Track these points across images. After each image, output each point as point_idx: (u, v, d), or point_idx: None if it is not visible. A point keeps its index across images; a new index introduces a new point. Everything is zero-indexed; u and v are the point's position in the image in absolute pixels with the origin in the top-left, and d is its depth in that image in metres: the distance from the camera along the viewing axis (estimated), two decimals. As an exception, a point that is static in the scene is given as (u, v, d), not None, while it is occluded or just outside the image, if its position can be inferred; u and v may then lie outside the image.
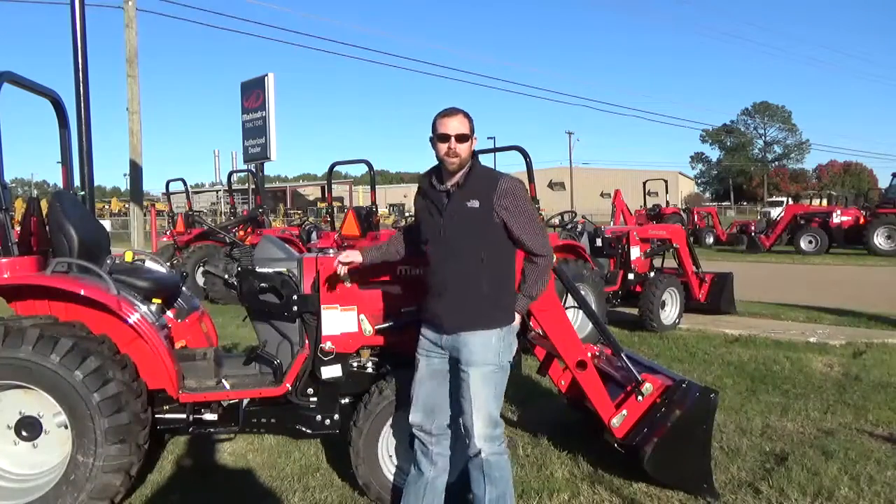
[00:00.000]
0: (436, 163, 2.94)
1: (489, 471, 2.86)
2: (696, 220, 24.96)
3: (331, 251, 3.72)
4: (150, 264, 4.29)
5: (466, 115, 2.90)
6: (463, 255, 2.86)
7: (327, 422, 3.55)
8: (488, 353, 2.86)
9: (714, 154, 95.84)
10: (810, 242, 20.04)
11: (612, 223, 14.66)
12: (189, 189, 15.73)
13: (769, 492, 3.52)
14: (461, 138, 2.84)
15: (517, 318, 3.00)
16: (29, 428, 3.34)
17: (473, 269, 2.86)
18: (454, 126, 2.85)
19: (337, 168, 10.77)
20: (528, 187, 6.58)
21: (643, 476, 3.54)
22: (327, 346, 3.41)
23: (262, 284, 3.47)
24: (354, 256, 3.22)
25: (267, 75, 16.55)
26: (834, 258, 18.67)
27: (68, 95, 5.63)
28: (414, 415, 3.01)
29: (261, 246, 3.77)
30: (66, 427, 3.22)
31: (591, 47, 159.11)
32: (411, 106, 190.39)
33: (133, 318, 3.39)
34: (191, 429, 3.59)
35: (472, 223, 2.85)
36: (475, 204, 2.85)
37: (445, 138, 2.84)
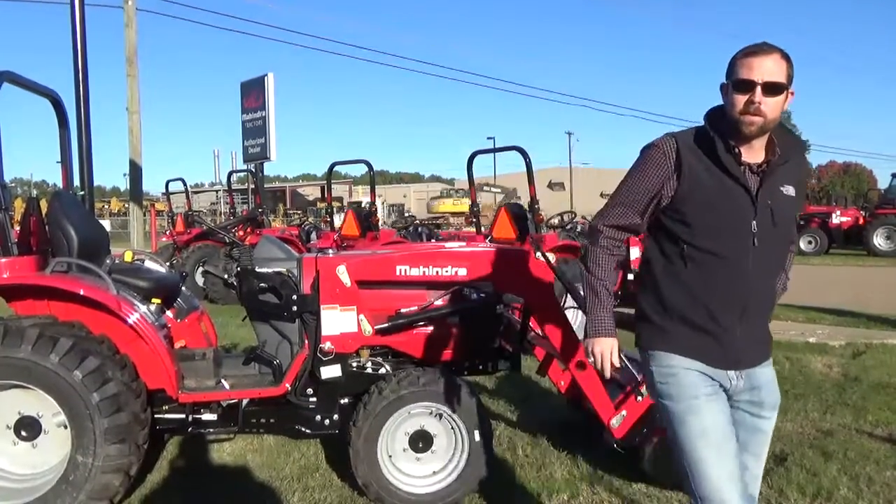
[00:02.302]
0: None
1: None
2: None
3: (330, 251, 3.71)
4: (149, 264, 4.29)
5: (785, 56, 1.92)
6: (773, 262, 2.08)
7: (327, 422, 3.54)
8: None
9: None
10: (810, 243, 20.05)
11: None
12: (189, 189, 15.72)
13: (768, 492, 3.52)
14: (771, 89, 1.89)
15: None
16: (28, 428, 3.33)
17: (775, 281, 2.13)
18: (766, 68, 1.88)
19: (336, 168, 10.77)
20: (528, 188, 6.50)
21: (643, 476, 3.54)
22: (327, 346, 3.41)
23: (262, 284, 3.48)
24: (613, 344, 2.12)
25: (267, 75, 16.53)
26: (833, 258, 18.68)
27: (68, 95, 5.63)
28: (729, 493, 1.94)
29: (260, 246, 3.78)
30: (65, 427, 3.22)
31: (591, 47, 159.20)
32: (411, 106, 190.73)
33: (132, 318, 3.39)
34: (190, 429, 3.59)
35: (790, 218, 2.08)
36: (790, 191, 2.04)
37: (747, 86, 1.89)
